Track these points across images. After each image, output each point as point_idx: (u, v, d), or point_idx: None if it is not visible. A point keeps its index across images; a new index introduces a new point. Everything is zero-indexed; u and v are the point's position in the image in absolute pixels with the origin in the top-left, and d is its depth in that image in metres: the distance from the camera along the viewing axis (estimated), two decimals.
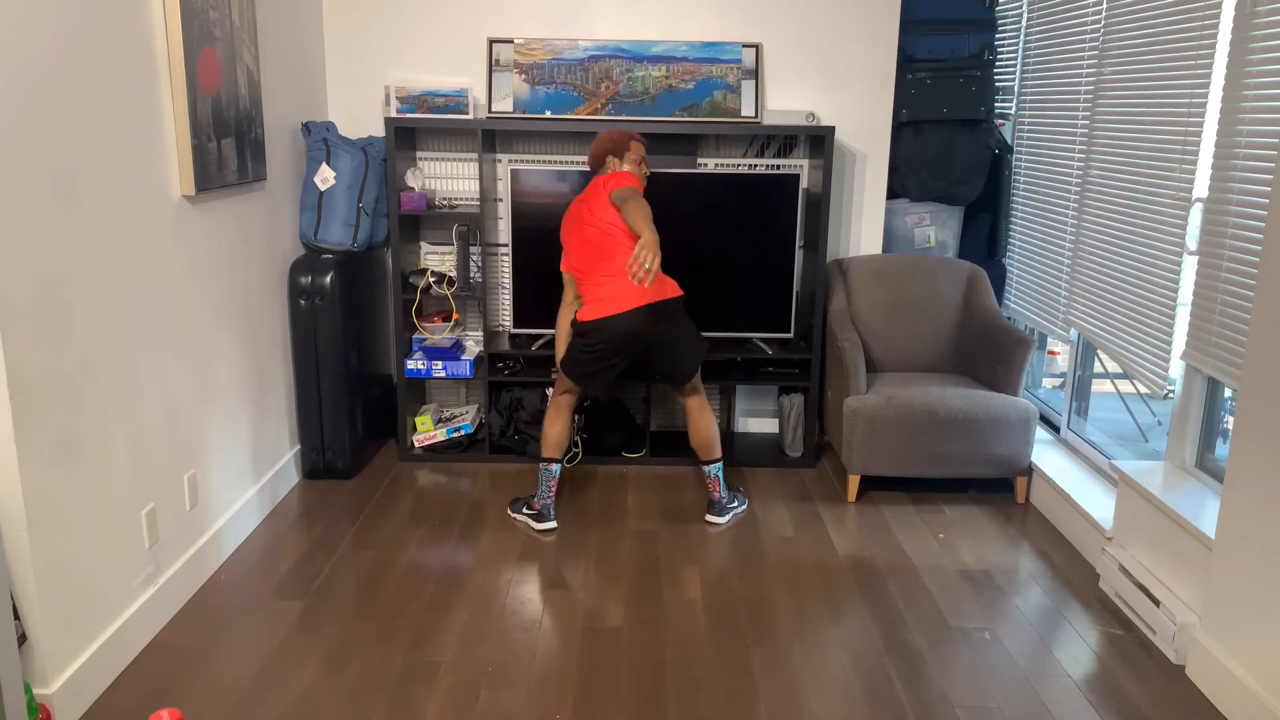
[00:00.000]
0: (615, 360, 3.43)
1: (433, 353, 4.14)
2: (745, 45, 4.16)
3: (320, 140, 3.80)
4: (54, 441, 2.33)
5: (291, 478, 3.89)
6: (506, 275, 4.35)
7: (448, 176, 4.36)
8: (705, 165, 4.32)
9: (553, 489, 3.57)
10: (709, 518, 3.67)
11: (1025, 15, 4.25)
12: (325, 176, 3.78)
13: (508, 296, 4.34)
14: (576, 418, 4.24)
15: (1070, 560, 3.40)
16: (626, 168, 3.49)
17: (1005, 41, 4.39)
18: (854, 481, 3.87)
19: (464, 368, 4.15)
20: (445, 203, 4.29)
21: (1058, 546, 3.50)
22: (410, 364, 4.12)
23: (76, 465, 2.42)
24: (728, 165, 4.33)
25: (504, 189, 4.31)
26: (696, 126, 4.11)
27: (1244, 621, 2.49)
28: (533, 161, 4.32)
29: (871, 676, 2.66)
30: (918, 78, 4.29)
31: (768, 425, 4.63)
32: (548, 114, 4.14)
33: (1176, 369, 3.11)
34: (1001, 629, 2.92)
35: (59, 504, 2.35)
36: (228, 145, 3.16)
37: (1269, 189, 2.54)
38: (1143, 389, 4.39)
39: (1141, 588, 2.92)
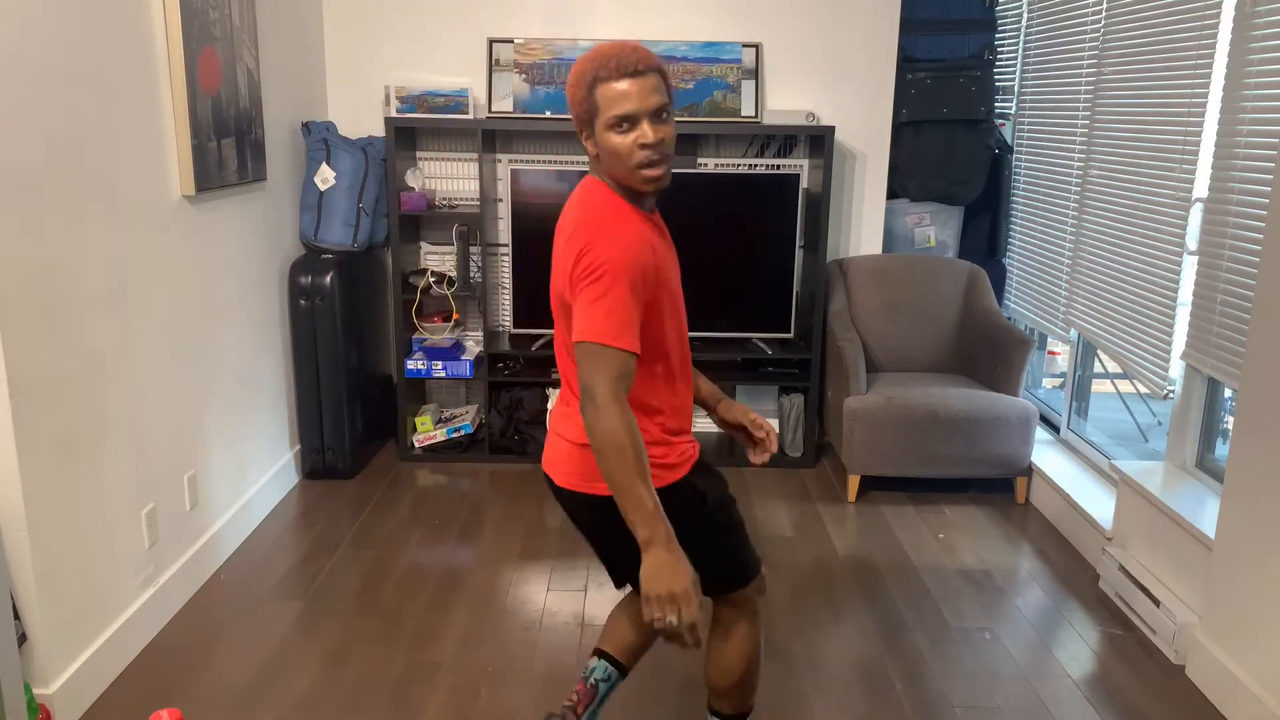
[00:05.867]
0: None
1: (433, 353, 4.14)
2: (745, 45, 4.16)
3: (320, 140, 3.80)
4: (54, 441, 2.32)
5: (291, 478, 3.88)
6: (506, 275, 4.35)
7: (448, 176, 4.36)
8: (705, 165, 4.32)
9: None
10: None
11: (1025, 15, 4.24)
12: (325, 176, 3.78)
13: (508, 296, 4.34)
14: None
15: (1070, 560, 3.39)
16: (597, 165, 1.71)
17: (1005, 41, 4.39)
18: (854, 481, 3.87)
19: (464, 368, 4.15)
20: (445, 203, 4.29)
21: (1058, 546, 3.50)
22: (410, 364, 4.12)
23: (76, 465, 2.42)
24: (728, 165, 4.32)
25: (504, 189, 4.30)
26: (696, 126, 4.11)
27: (1244, 621, 2.49)
28: (533, 161, 4.32)
29: (871, 676, 2.66)
30: (918, 78, 4.29)
31: None
32: (548, 114, 4.14)
33: (1176, 369, 3.11)
34: (1001, 629, 2.92)
35: (59, 504, 2.35)
36: (228, 145, 3.16)
37: (1269, 189, 2.54)
38: (1143, 389, 4.39)
39: (1141, 588, 2.92)
